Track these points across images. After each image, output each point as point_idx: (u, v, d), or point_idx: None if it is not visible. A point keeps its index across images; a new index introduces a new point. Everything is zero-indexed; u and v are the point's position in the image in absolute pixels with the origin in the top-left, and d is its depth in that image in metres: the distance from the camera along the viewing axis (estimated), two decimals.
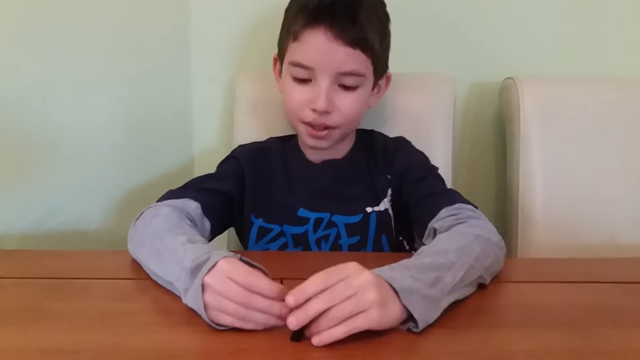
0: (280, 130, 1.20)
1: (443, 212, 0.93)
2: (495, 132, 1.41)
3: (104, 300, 0.80)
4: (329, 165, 1.10)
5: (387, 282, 0.71)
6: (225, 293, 0.70)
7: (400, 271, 0.74)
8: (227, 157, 1.14)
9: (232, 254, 0.75)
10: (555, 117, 1.25)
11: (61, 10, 1.11)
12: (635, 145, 1.25)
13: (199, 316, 0.73)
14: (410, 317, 0.71)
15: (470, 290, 0.81)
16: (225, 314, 0.71)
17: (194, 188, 1.02)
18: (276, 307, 0.69)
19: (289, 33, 1.03)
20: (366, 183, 1.09)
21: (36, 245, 1.12)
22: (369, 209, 1.06)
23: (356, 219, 1.05)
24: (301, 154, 1.12)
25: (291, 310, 0.68)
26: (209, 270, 0.72)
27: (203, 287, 0.72)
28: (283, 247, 1.06)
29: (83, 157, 1.19)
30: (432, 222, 0.93)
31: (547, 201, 1.23)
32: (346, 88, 1.02)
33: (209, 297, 0.71)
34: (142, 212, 0.94)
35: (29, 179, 1.12)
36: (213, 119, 1.40)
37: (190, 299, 0.73)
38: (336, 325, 0.67)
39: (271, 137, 1.19)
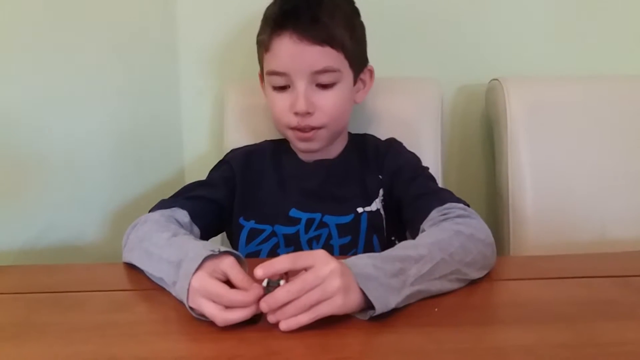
0: (270, 136, 1.20)
1: (434, 213, 0.93)
2: (483, 133, 1.42)
3: (99, 312, 0.80)
4: (321, 165, 1.11)
5: (348, 267, 0.73)
6: (204, 312, 0.74)
7: (364, 260, 0.76)
8: (219, 162, 1.15)
9: (211, 250, 0.77)
10: (541, 117, 1.26)
11: (49, 25, 1.11)
12: (621, 142, 1.27)
13: (195, 325, 0.74)
14: (370, 305, 0.72)
15: (447, 285, 0.81)
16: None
17: (184, 197, 1.05)
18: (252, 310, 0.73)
19: (261, 45, 1.07)
20: (358, 183, 1.10)
21: (32, 262, 1.11)
22: (360, 209, 1.06)
23: (347, 219, 1.06)
24: (294, 154, 1.14)
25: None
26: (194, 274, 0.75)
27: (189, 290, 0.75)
28: (274, 248, 1.07)
29: (76, 171, 1.18)
30: (424, 223, 0.93)
31: (537, 199, 1.24)
32: (324, 87, 1.03)
33: (192, 302, 0.75)
34: (135, 222, 0.97)
35: (22, 196, 1.12)
36: (203, 128, 1.41)
37: (178, 294, 0.77)
38: (302, 312, 0.70)
39: (266, 140, 1.20)
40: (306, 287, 0.70)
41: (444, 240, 0.83)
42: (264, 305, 0.71)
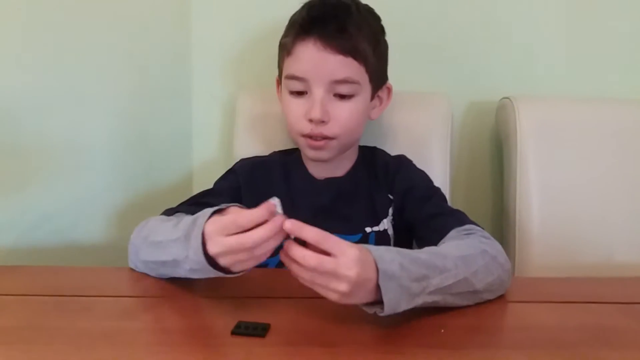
0: (280, 146, 1.21)
1: (453, 233, 0.93)
2: (492, 151, 1.42)
3: (106, 318, 0.80)
4: (331, 183, 1.10)
5: (374, 260, 0.73)
6: (229, 250, 0.74)
7: (393, 254, 0.76)
8: (227, 172, 1.14)
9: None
10: (551, 137, 1.27)
11: (63, 25, 1.12)
12: (631, 165, 1.27)
13: (202, 336, 0.74)
14: (379, 301, 0.73)
15: (461, 302, 0.82)
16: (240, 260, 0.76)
17: (188, 203, 1.05)
18: (274, 226, 0.73)
19: (283, 49, 1.06)
20: (367, 202, 1.09)
21: (34, 259, 1.11)
22: (368, 229, 1.06)
23: (355, 238, 1.05)
24: (303, 168, 1.13)
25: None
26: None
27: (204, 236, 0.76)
28: (280, 265, 1.06)
29: (82, 171, 1.19)
30: (442, 242, 0.93)
31: (544, 220, 1.24)
32: (342, 97, 1.03)
33: (211, 247, 0.75)
34: (137, 227, 0.96)
35: (27, 193, 1.12)
36: (213, 135, 1.41)
37: (193, 261, 0.77)
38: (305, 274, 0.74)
39: (274, 151, 1.19)
40: (318, 269, 0.71)
41: (470, 256, 0.83)
42: (288, 225, 0.73)
